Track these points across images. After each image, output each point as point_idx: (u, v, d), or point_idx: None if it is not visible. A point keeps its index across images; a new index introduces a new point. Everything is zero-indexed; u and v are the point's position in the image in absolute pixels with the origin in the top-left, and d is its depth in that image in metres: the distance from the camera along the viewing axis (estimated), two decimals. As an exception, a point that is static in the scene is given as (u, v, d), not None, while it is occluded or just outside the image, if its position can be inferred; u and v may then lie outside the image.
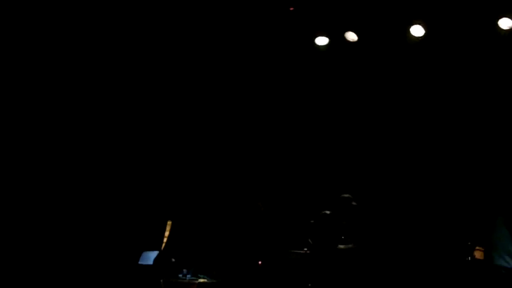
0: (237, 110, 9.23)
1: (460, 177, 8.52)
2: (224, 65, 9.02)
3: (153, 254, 7.73)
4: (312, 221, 6.54)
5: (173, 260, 7.75)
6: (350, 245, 7.06)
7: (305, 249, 8.32)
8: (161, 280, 7.54)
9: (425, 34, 8.14)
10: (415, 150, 8.75)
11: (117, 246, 8.05)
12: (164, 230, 7.82)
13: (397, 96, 8.86)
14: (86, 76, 8.16)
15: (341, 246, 7.01)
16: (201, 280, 7.74)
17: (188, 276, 7.80)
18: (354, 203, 7.06)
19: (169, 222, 7.80)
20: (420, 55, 8.56)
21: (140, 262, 7.75)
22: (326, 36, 8.49)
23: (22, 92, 7.71)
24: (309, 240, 6.94)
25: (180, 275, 7.80)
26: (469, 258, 8.28)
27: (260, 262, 7.88)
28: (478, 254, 8.30)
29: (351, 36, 8.38)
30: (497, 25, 7.76)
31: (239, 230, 7.20)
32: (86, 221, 8.03)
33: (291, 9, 8.34)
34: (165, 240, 7.76)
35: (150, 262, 7.68)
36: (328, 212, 6.38)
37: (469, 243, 8.28)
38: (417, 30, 8.13)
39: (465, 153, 8.50)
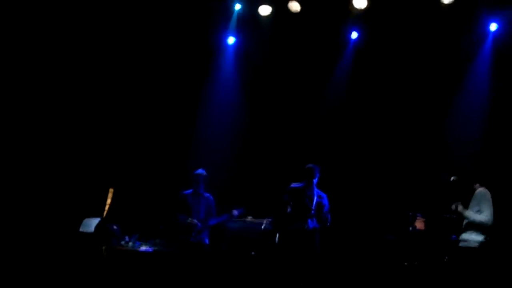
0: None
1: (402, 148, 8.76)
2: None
3: (95, 221, 7.67)
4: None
5: (115, 227, 7.69)
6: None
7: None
8: (103, 247, 7.49)
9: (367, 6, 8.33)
10: (363, 128, 8.95)
11: (58, 213, 7.99)
12: (106, 198, 7.77)
13: (341, 68, 9.02)
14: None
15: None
16: (143, 247, 7.73)
17: (130, 243, 7.79)
18: None
19: (111, 189, 7.75)
20: (363, 27, 8.73)
21: (81, 229, 7.69)
22: (269, 5, 8.58)
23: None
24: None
25: (122, 242, 7.77)
26: (411, 228, 8.46)
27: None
28: (420, 224, 8.49)
29: (294, 7, 8.47)
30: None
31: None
32: (27, 189, 7.99)
33: None
34: (107, 207, 7.70)
35: (92, 229, 7.62)
36: None
37: (411, 213, 8.49)
38: (359, 2, 8.31)
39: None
